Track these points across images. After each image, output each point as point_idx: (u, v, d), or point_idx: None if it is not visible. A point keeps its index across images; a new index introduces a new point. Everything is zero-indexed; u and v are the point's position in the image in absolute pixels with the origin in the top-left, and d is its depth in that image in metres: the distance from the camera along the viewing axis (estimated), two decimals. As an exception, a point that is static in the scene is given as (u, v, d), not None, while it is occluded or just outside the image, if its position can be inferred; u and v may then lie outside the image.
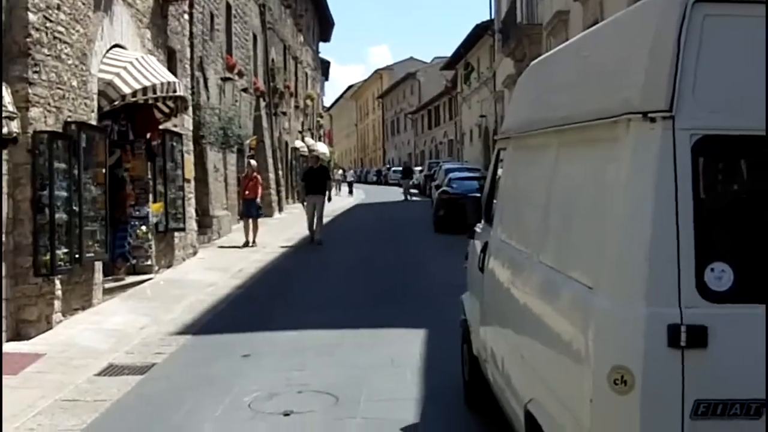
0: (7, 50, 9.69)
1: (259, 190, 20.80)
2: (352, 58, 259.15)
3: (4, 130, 8.52)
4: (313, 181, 20.45)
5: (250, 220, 19.89)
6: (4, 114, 8.46)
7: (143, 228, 14.07)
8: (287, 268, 16.10)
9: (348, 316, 11.05)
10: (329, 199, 21.47)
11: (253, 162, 21.90)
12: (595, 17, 21.39)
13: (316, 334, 10.01)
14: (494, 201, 6.51)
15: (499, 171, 6.41)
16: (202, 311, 11.71)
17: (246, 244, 19.37)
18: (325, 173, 21.31)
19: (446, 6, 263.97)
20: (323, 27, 52.82)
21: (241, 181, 21.67)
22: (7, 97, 8.60)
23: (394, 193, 48.41)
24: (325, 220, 27.22)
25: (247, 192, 20.45)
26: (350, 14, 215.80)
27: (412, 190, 46.45)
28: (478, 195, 7.08)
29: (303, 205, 20.89)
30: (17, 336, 9.60)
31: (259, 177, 21.10)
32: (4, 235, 9.50)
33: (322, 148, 47.91)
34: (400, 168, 70.26)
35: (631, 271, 3.30)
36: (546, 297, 4.29)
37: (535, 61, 5.88)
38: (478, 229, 6.81)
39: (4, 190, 9.59)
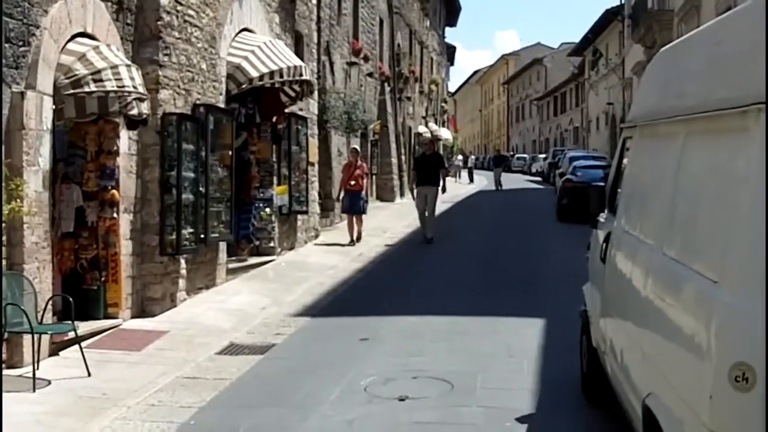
0: (138, 33, 9.98)
1: (365, 181, 18.10)
2: (478, 44, 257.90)
3: (134, 111, 8.73)
4: (425, 169, 17.84)
5: (354, 217, 17.40)
6: (134, 96, 8.68)
7: (267, 210, 14.28)
8: (407, 254, 16.15)
9: (467, 303, 10.96)
10: (443, 190, 19.03)
11: (358, 148, 19.37)
12: (728, 4, 20.55)
13: (434, 320, 9.97)
14: (618, 190, 6.31)
15: (625, 160, 6.19)
16: (322, 293, 11.83)
17: (351, 243, 17.04)
18: (438, 161, 18.52)
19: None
20: (450, 12, 52.57)
21: (343, 169, 18.44)
22: (138, 79, 8.83)
23: (517, 180, 47.89)
24: (444, 206, 27.20)
25: (351, 183, 17.51)
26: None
27: (535, 178, 45.89)
28: (602, 184, 6.86)
29: (413, 196, 18.58)
30: (142, 313, 9.91)
31: (364, 165, 18.69)
32: (132, 214, 9.81)
33: (445, 133, 47.82)
34: (524, 155, 69.65)
35: (757, 266, 3.18)
36: (669, 290, 4.15)
37: (664, 48, 5.63)
38: (601, 219, 6.62)
39: (134, 170, 9.90)
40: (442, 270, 14.04)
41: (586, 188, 21.21)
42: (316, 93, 16.93)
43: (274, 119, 14.61)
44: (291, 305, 10.98)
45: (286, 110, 14.87)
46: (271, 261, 14.07)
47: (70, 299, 7.80)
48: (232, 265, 12.70)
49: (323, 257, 14.79)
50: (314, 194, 17.23)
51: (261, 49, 12.81)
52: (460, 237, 18.89)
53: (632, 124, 5.89)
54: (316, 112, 17.84)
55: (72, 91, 8.32)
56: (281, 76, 12.88)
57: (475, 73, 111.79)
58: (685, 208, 4.17)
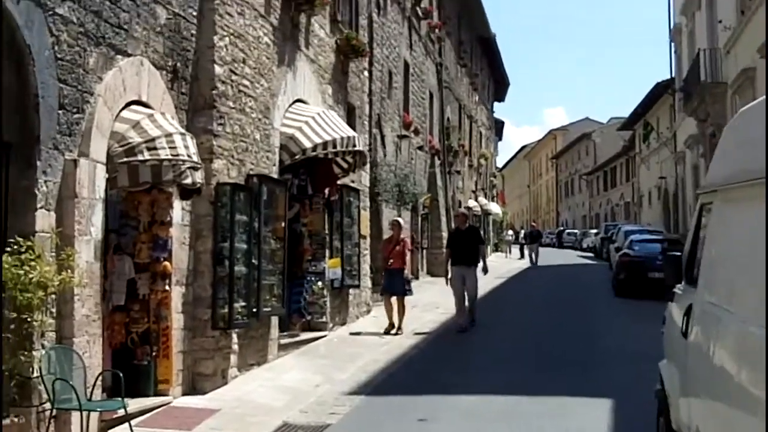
0: (193, 102, 9.87)
1: (408, 258, 16.17)
2: (526, 120, 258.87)
3: (188, 180, 8.54)
4: (461, 246, 15.45)
5: (394, 299, 15.14)
6: (188, 164, 8.50)
7: (319, 284, 13.99)
8: (462, 328, 15.62)
9: (527, 382, 10.46)
10: (485, 270, 16.25)
11: (400, 220, 16.64)
12: (791, 73, 20.13)
13: (493, 400, 9.50)
14: (697, 260, 5.89)
15: (704, 228, 5.77)
16: (376, 371, 11.41)
17: (390, 330, 14.83)
18: (476, 236, 16.13)
19: (623, 67, 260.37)
20: (498, 87, 52.68)
21: (383, 245, 16.36)
22: (192, 147, 8.66)
23: (569, 256, 47.21)
24: (497, 281, 26.63)
25: (391, 260, 15.48)
26: (526, 76, 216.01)
27: (586, 254, 45.07)
28: (678, 253, 6.41)
29: (447, 279, 15.70)
30: (193, 390, 9.58)
31: (407, 241, 16.60)
32: (184, 287, 9.56)
33: (495, 208, 47.44)
34: (575, 231, 68.86)
35: None
36: None
37: (747, 106, 5.25)
38: (678, 291, 6.18)
39: (186, 241, 9.67)
40: (499, 347, 13.55)
41: (643, 262, 20.82)
42: (367, 165, 16.75)
43: (327, 191, 14.41)
44: (345, 383, 10.57)
45: (339, 182, 14.68)
46: (323, 336, 13.71)
47: (120, 375, 7.53)
48: (283, 341, 12.37)
49: (378, 330, 14.35)
50: (366, 268, 16.92)
51: (314, 120, 12.68)
52: (515, 314, 18.22)
53: (712, 188, 5.49)
54: (367, 184, 17.65)
55: (125, 159, 8.17)
56: (334, 146, 12.72)
57: (522, 148, 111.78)
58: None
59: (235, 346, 10.41)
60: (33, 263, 6.83)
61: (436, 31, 29.32)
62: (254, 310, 10.73)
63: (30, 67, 7.05)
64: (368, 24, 18.68)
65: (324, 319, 14.15)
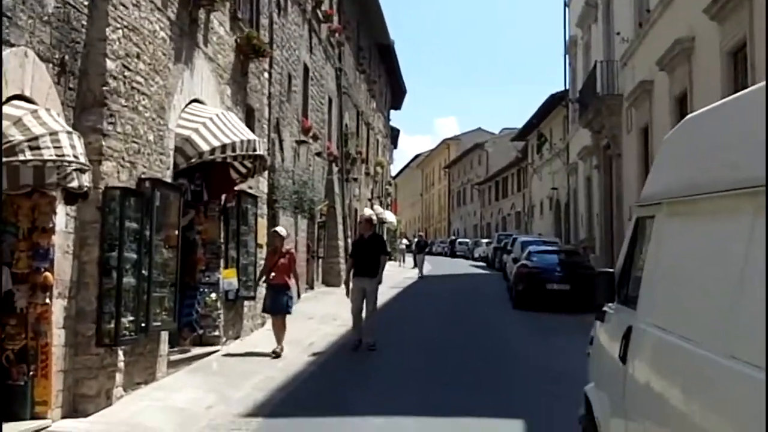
0: (81, 98, 9.03)
1: (296, 272, 14.41)
2: (418, 129, 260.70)
3: (74, 183, 7.76)
4: (364, 256, 14.07)
5: (277, 319, 13.47)
6: (75, 166, 7.71)
7: (213, 295, 13.25)
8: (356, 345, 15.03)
9: (434, 401, 9.96)
10: (378, 282, 14.26)
11: (282, 231, 14.31)
12: (684, 86, 20.40)
13: (401, 423, 9.00)
14: (633, 278, 5.51)
15: (644, 243, 5.37)
16: (274, 389, 10.73)
17: (274, 354, 13.06)
18: (380, 245, 14.50)
19: (515, 78, 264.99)
20: (395, 95, 52.54)
21: (267, 257, 14.53)
22: (80, 148, 7.86)
23: (462, 266, 47.35)
24: (393, 291, 26.12)
25: (272, 275, 13.66)
26: (419, 85, 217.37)
27: (478, 263, 45.23)
28: (610, 270, 6.00)
29: (347, 290, 14.31)
30: (74, 412, 8.74)
31: (293, 252, 14.51)
32: (66, 300, 8.73)
33: (390, 216, 47.20)
34: (467, 240, 69.29)
35: None
36: (738, 404, 3.33)
37: (695, 114, 4.87)
38: (609, 311, 5.77)
39: (70, 250, 8.84)
40: (403, 364, 13.04)
41: (542, 274, 20.75)
42: (266, 171, 16.05)
43: (223, 197, 13.69)
44: (240, 403, 9.87)
45: (236, 188, 13.96)
46: (216, 351, 12.97)
47: (-9, 399, 6.70)
48: (173, 357, 11.58)
49: (273, 346, 13.60)
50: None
51: (212, 121, 11.94)
52: (417, 328, 17.61)
53: (653, 201, 5.09)
54: (265, 190, 16.95)
55: (4, 159, 7.31)
56: (233, 150, 11.98)
57: (416, 156, 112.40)
58: (757, 304, 3.33)
59: (122, 364, 9.60)
60: None
61: (336, 35, 28.81)
62: (143, 324, 9.93)
63: None
64: (269, 24, 18.00)
65: (217, 333, 13.40)
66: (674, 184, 4.72)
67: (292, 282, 14.00)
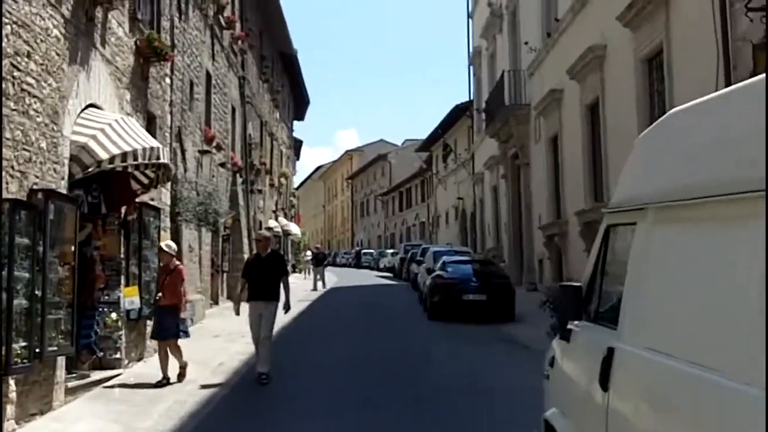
0: (-37, 101, 8.06)
1: (183, 291, 12.40)
2: (319, 141, 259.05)
3: (-46, 196, 6.83)
4: (260, 278, 12.32)
5: (167, 345, 12.06)
6: (-45, 175, 6.80)
7: (113, 315, 12.26)
8: (276, 363, 14.16)
9: (359, 425, 9.25)
10: (286, 308, 12.67)
11: (170, 245, 12.79)
12: (596, 94, 20.31)
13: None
14: (605, 292, 4.95)
15: (622, 255, 4.77)
16: (184, 417, 9.85)
17: (163, 382, 11.71)
18: (279, 264, 12.75)
19: (417, 90, 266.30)
20: (298, 105, 51.73)
21: (158, 276, 13.17)
22: (-39, 155, 6.94)
23: (367, 276, 46.83)
24: (300, 305, 25.23)
25: (158, 296, 12.26)
26: (320, 97, 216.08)
27: (384, 274, 44.73)
28: (577, 284, 5.38)
29: (236, 309, 12.91)
30: (-41, 451, 7.75)
31: (180, 269, 12.62)
32: (-52, 326, 7.74)
33: (294, 228, 46.34)
34: (371, 250, 68.85)
35: None
36: None
37: (680, 108, 4.32)
38: (575, 329, 5.18)
39: (-48, 269, 7.86)
40: (318, 379, 12.33)
41: (457, 284, 20.29)
42: (169, 182, 15.12)
43: (123, 210, 12.74)
44: (147, 434, 9.00)
45: (137, 199, 13.03)
46: (117, 375, 12.00)
47: None
48: (71, 384, 10.60)
49: (177, 368, 12.67)
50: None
51: (112, 128, 11.02)
52: (331, 344, 16.71)
53: (634, 206, 4.51)
54: (168, 202, 16.01)
55: None
56: (135, 158, 11.06)
57: (318, 168, 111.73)
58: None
59: (13, 395, 8.62)
60: None
61: (239, 42, 27.91)
62: (37, 350, 8.96)
63: None
64: (170, 27, 17.08)
65: (118, 356, 12.42)
66: (662, 186, 4.13)
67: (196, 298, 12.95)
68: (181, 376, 12.02)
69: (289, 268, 43.92)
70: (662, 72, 15.76)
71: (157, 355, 12.53)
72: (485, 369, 13.00)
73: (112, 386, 11.42)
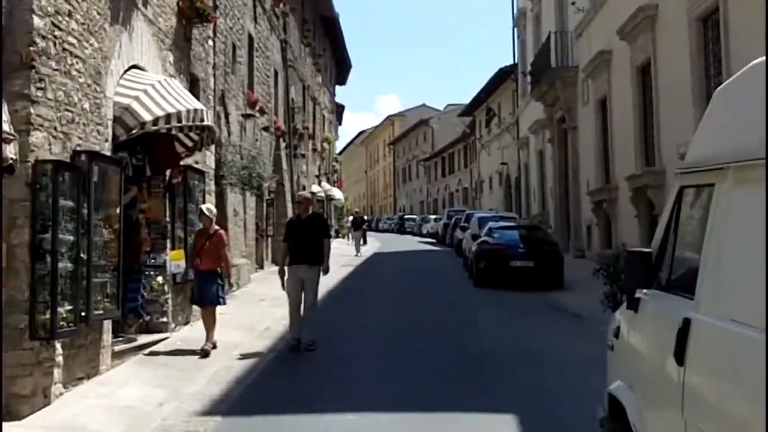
0: (5, 60, 7.88)
1: (225, 255, 12.08)
2: (361, 106, 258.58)
3: (-3, 156, 6.68)
4: (301, 241, 11.86)
5: (205, 311, 11.79)
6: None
7: (159, 279, 12.19)
8: (321, 328, 13.95)
9: (411, 394, 8.97)
10: (325, 271, 12.19)
11: (211, 209, 12.46)
12: (647, 55, 19.74)
13: (378, 419, 8.04)
14: (677, 259, 4.62)
15: (700, 218, 4.43)
16: (231, 382, 9.73)
17: (203, 353, 11.25)
18: (321, 227, 12.26)
19: (459, 56, 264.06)
20: (340, 70, 51.37)
21: (194, 239, 12.58)
22: (4, 115, 6.76)
23: (410, 242, 46.58)
24: (344, 270, 25.03)
25: (199, 259, 11.90)
26: (360, 61, 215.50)
27: (427, 239, 44.43)
28: (647, 250, 5.02)
29: (282, 282, 12.12)
30: (7, 415, 7.65)
31: (222, 234, 12.24)
32: (-7, 289, 7.63)
33: (337, 193, 46.23)
34: (414, 216, 68.59)
35: None
36: None
37: (761, 60, 3.94)
38: (644, 297, 4.86)
39: (-4, 232, 7.74)
40: (363, 346, 12.14)
41: (505, 250, 19.95)
42: (213, 145, 14.96)
43: (168, 173, 12.59)
44: (195, 399, 8.86)
45: (182, 162, 12.87)
46: (164, 339, 11.94)
47: None
48: (118, 347, 10.52)
49: (225, 333, 12.46)
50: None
51: (155, 89, 10.83)
52: (378, 310, 16.34)
53: (712, 165, 4.16)
54: (213, 166, 15.85)
55: None
56: (179, 120, 10.87)
57: (360, 133, 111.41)
58: None
59: (60, 359, 8.54)
60: None
61: (281, 5, 27.62)
62: (83, 314, 8.87)
63: None
64: (213, -13, 16.82)
65: (165, 320, 12.34)
66: (743, 144, 3.79)
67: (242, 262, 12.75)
68: (212, 347, 11.46)
69: (332, 233, 44.04)
70: (718, 31, 15.23)
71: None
72: (533, 336, 12.72)
73: (157, 352, 11.33)
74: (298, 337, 11.80)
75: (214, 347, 11.52)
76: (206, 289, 11.69)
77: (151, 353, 11.25)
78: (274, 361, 11.14)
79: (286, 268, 12.10)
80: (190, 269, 12.68)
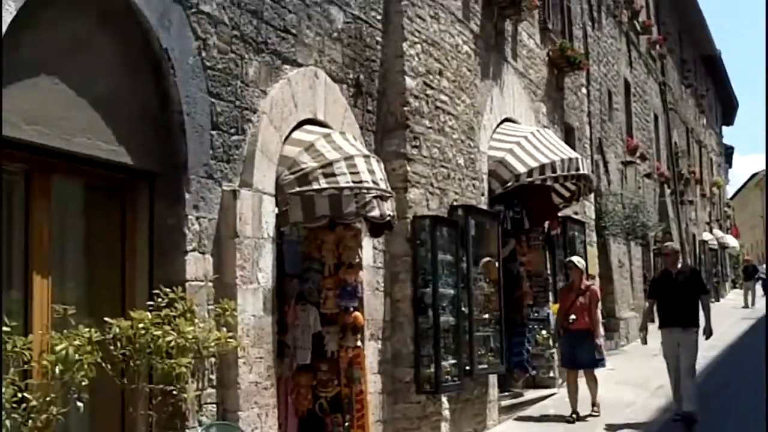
0: (381, 121, 8.27)
1: (597, 314, 11.01)
2: (752, 147, 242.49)
3: (375, 213, 6.90)
4: (673, 299, 10.19)
5: (584, 374, 10.83)
6: (374, 193, 6.86)
7: (543, 332, 12.01)
8: (716, 391, 12.09)
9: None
10: (708, 333, 10.41)
11: (580, 261, 11.63)
12: None
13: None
14: None
15: None
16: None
17: (574, 417, 10.44)
18: (696, 283, 10.54)
19: None
20: (725, 109, 48.54)
21: (559, 295, 11.72)
22: (379, 173, 7.01)
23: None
24: (733, 330, 21.21)
25: (572, 318, 10.82)
26: (746, 98, 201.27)
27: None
28: None
29: (642, 338, 10.85)
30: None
31: (595, 289, 11.36)
32: (379, 342, 7.90)
33: (731, 241, 43.38)
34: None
35: None
36: None
37: None
38: None
39: (380, 286, 8.02)
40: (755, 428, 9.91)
41: None
42: (591, 195, 14.61)
43: (546, 224, 12.44)
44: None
45: (560, 213, 12.67)
46: (552, 395, 11.67)
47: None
48: (504, 402, 10.45)
49: (614, 390, 11.77)
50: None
51: (528, 140, 10.82)
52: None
53: None
54: (593, 216, 15.49)
55: (298, 189, 6.61)
56: (553, 170, 10.74)
57: (753, 176, 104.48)
58: None
59: (446, 413, 8.62)
60: (177, 321, 5.36)
61: (657, 47, 26.72)
62: (467, 368, 8.91)
63: (170, 77, 5.65)
64: (583, 36, 16.63)
65: (552, 375, 12.10)
66: None
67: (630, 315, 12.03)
68: (593, 414, 10.62)
69: (728, 284, 41.17)
70: None
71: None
72: None
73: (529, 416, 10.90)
74: (680, 411, 10.17)
75: (595, 410, 10.72)
76: (579, 349, 10.76)
77: (538, 408, 11.00)
78: (669, 424, 10.19)
79: (648, 325, 10.89)
80: (559, 328, 11.38)
